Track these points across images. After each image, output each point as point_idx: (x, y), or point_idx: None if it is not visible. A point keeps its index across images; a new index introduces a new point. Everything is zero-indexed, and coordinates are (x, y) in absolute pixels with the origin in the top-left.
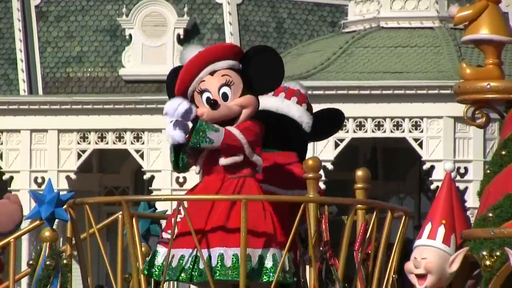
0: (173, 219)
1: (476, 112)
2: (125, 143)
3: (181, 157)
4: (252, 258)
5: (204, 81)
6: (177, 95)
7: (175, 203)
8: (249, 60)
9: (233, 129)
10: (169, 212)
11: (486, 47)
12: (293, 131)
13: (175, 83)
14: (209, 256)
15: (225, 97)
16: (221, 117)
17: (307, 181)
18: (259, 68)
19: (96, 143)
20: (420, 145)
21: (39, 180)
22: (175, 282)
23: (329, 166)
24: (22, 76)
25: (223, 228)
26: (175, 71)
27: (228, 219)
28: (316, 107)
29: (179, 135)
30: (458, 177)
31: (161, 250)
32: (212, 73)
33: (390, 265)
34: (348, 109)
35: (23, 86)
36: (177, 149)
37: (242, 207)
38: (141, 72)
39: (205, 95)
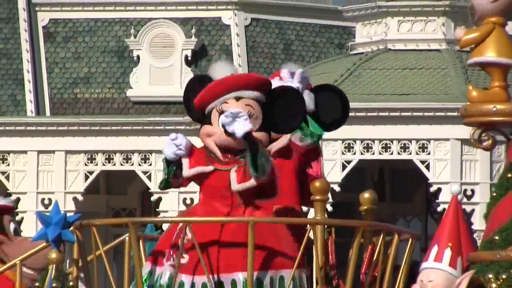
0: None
1: (483, 135)
2: (132, 164)
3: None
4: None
5: (227, 103)
6: (196, 104)
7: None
8: (274, 98)
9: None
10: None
11: (492, 70)
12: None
13: (196, 89)
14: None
15: None
16: (231, 145)
17: (314, 203)
18: (281, 109)
19: (104, 164)
20: (427, 167)
21: (46, 202)
22: None
23: (337, 188)
24: (29, 97)
25: (240, 250)
26: (200, 79)
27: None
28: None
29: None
30: (464, 200)
31: (168, 272)
32: (237, 99)
33: None
34: (355, 131)
35: (30, 107)
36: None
37: (249, 229)
38: (149, 93)
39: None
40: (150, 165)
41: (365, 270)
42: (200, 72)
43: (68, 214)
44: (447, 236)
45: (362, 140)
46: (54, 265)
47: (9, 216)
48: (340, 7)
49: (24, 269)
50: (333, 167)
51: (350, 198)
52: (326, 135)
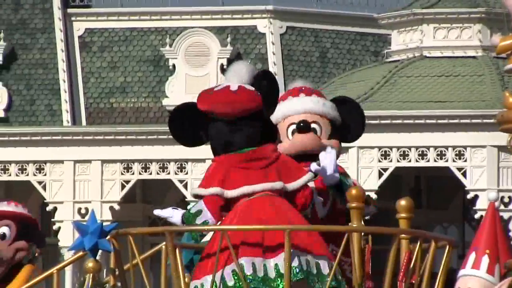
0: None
1: None
2: (168, 173)
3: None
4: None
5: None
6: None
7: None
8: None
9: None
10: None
11: None
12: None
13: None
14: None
15: None
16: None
17: (351, 211)
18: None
19: (140, 173)
20: (464, 174)
21: (83, 211)
22: None
23: (373, 196)
24: (65, 106)
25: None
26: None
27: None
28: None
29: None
30: (502, 207)
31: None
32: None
33: None
34: (391, 138)
35: (66, 117)
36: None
37: (285, 238)
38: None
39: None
40: (186, 173)
41: (402, 278)
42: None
43: (105, 223)
44: (484, 243)
45: (398, 148)
46: (91, 275)
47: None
48: (376, 15)
49: None
50: (369, 174)
51: (387, 206)
52: (361, 143)
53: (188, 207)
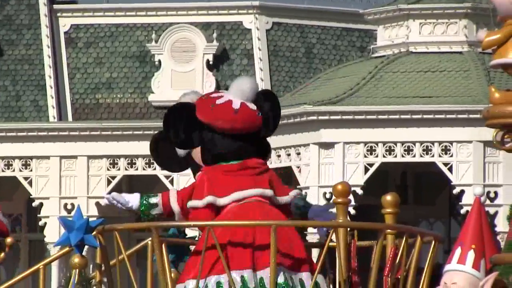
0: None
1: (505, 137)
2: (154, 169)
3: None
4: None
5: None
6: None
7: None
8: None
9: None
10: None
11: None
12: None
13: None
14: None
15: None
16: None
17: (336, 206)
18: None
19: (126, 169)
20: (450, 169)
21: (69, 207)
22: None
23: (359, 191)
24: (51, 102)
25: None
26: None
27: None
28: (346, 132)
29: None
30: (487, 202)
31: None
32: None
33: None
34: (377, 134)
35: (52, 113)
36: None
37: (272, 233)
38: (171, 98)
39: None
40: None
41: (388, 273)
42: (221, 76)
43: (91, 219)
44: (470, 238)
45: (384, 143)
46: (77, 270)
47: None
48: (361, 10)
49: None
50: (355, 170)
51: (373, 201)
52: (347, 138)
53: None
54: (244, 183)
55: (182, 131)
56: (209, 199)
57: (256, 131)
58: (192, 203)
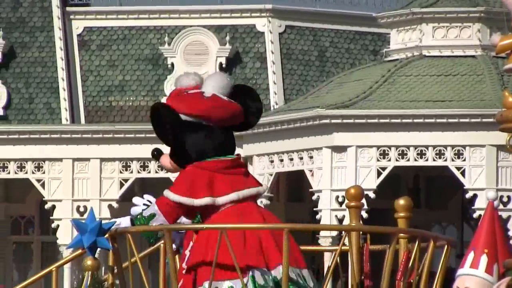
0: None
1: None
2: (167, 172)
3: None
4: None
5: None
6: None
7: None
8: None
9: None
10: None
11: None
12: None
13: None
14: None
15: None
16: None
17: (349, 210)
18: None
19: (139, 172)
20: (463, 173)
21: (81, 209)
22: None
23: (371, 195)
24: (64, 105)
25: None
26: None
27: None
28: (359, 136)
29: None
30: (500, 206)
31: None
32: None
33: None
34: (390, 137)
35: (65, 115)
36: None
37: (284, 236)
38: None
39: None
40: None
41: (400, 277)
42: (234, 79)
43: (103, 221)
44: (483, 243)
45: (397, 147)
46: (90, 272)
47: None
48: (375, 14)
49: None
50: (368, 174)
51: (385, 205)
52: (360, 142)
53: (137, 209)
54: (239, 183)
55: (170, 134)
56: (207, 200)
57: (237, 124)
58: (187, 200)
